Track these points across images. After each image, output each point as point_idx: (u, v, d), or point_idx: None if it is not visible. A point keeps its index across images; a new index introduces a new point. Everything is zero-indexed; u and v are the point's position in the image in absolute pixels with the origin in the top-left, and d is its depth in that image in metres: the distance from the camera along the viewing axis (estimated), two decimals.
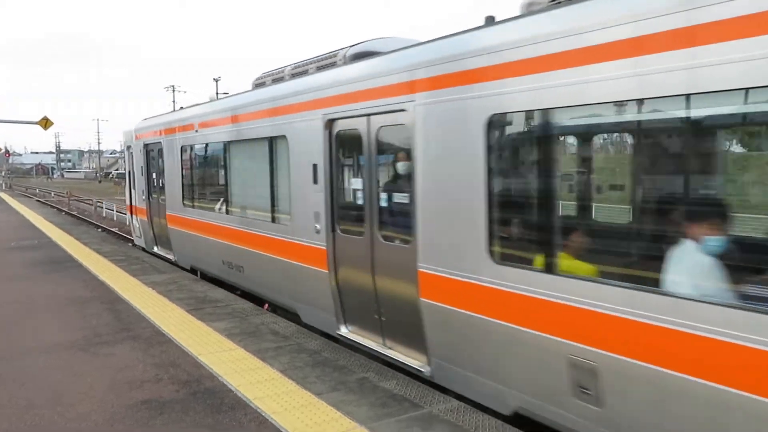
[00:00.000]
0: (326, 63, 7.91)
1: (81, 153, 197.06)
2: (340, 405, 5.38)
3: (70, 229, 21.80)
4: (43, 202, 44.76)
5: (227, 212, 10.21)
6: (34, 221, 24.68)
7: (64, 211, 35.92)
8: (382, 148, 6.48)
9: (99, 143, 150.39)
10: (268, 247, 8.62)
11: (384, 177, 6.54)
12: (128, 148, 16.36)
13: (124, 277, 11.64)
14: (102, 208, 36.53)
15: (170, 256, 13.40)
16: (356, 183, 6.90)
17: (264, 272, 8.95)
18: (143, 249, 15.97)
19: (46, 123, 29.51)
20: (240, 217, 9.72)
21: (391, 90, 6.02)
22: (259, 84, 9.69)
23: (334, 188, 7.17)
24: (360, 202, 6.76)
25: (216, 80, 59.20)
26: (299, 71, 8.54)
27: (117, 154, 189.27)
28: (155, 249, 14.67)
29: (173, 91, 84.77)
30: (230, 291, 10.36)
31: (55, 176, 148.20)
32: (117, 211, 32.94)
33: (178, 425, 5.04)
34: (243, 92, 9.96)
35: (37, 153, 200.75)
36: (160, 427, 5.00)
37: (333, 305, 7.28)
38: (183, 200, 12.13)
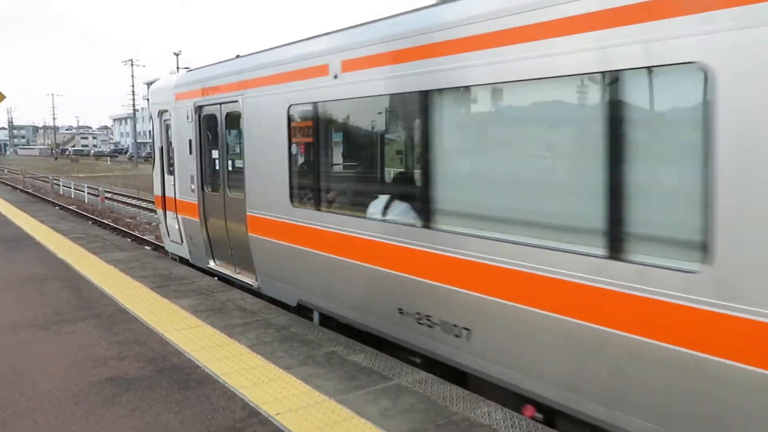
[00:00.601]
0: None
1: (35, 129, 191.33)
2: (308, 378, 5.39)
3: (26, 206, 21.25)
4: None
5: (426, 225, 5.63)
6: None
7: (19, 188, 34.93)
8: None
9: (54, 119, 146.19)
10: (590, 310, 4.28)
11: None
12: (160, 114, 11.39)
13: (84, 255, 11.39)
14: (59, 185, 35.62)
15: (249, 281, 8.88)
16: None
17: (551, 353, 4.61)
18: (182, 260, 11.28)
19: None
20: (475, 237, 5.18)
21: None
22: None
23: None
24: None
25: (176, 54, 57.85)
26: None
27: (73, 131, 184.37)
28: (211, 264, 10.05)
29: (132, 65, 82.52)
30: (398, 357, 6.11)
31: (8, 153, 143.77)
32: (75, 189, 32.16)
33: (146, 402, 4.98)
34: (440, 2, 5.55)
35: None
36: (126, 404, 4.94)
37: None
38: (292, 196, 7.62)
